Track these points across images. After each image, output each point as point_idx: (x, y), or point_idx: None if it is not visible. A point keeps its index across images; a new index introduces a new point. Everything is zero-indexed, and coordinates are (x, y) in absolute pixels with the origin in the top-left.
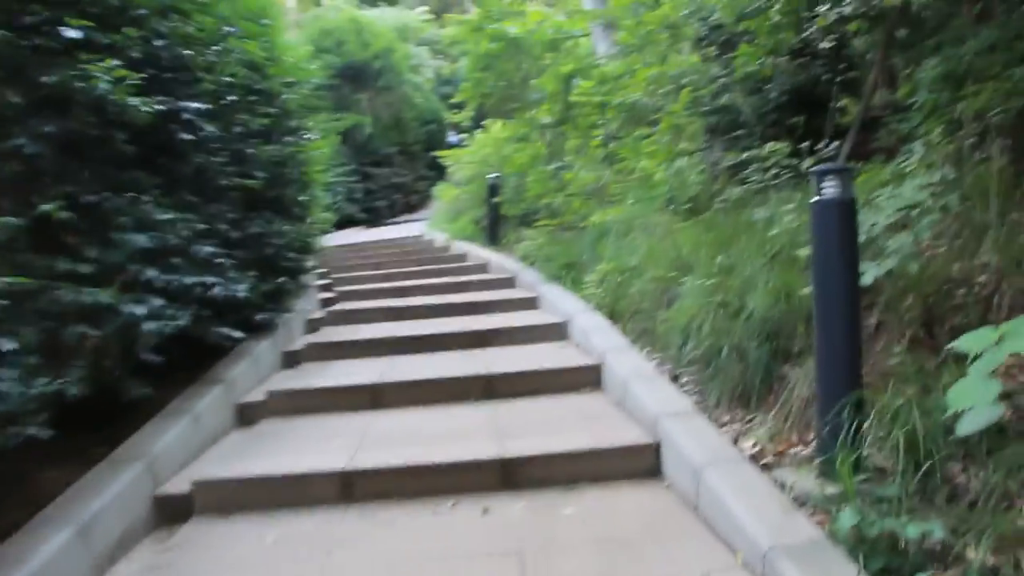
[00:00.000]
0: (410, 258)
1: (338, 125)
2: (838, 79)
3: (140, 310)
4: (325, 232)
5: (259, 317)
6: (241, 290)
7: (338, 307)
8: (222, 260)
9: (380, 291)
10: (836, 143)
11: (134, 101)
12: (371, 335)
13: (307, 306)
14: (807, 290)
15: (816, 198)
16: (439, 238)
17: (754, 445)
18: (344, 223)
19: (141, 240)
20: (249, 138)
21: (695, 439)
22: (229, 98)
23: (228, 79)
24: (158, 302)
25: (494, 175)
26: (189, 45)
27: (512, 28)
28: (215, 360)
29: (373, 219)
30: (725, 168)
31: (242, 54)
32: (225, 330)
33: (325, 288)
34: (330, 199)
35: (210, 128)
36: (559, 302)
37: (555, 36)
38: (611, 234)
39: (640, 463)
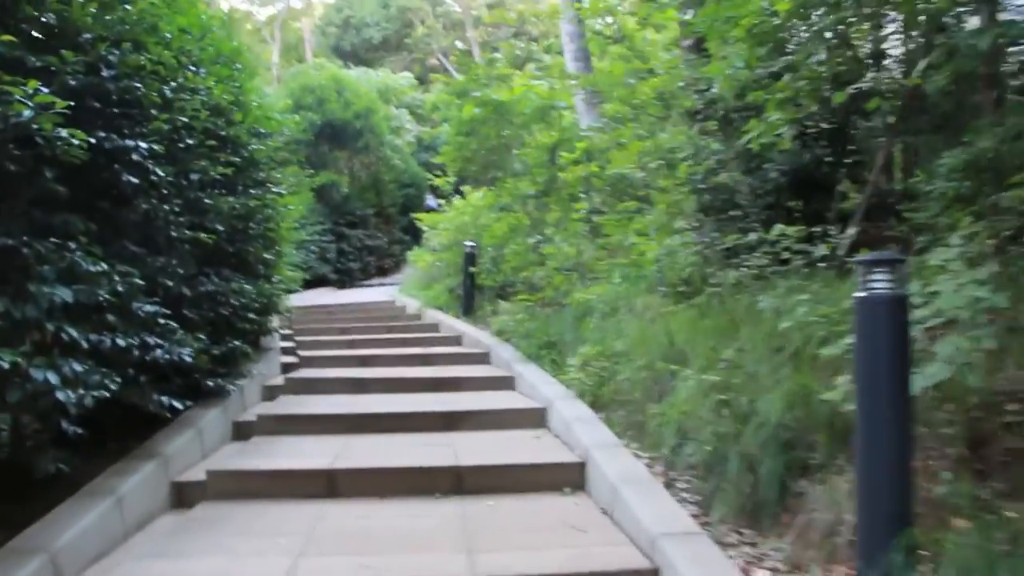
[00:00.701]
0: (380, 324)
1: (312, 182)
2: (846, 161)
3: (53, 376)
4: (292, 291)
5: (209, 383)
6: (187, 353)
7: (300, 374)
8: (167, 320)
9: (345, 359)
10: (848, 229)
11: (62, 133)
12: (331, 409)
13: (266, 370)
14: (831, 395)
15: (863, 292)
16: (411, 305)
17: None
18: (315, 283)
19: (63, 293)
20: (208, 187)
21: (702, 567)
22: (187, 141)
23: (185, 120)
24: (79, 366)
25: (471, 243)
26: (143, 79)
27: (496, 96)
28: (156, 429)
29: (345, 280)
30: (719, 250)
31: (206, 96)
32: (164, 399)
33: (288, 351)
34: (301, 258)
35: (162, 172)
36: (538, 384)
37: (541, 105)
38: (595, 313)
39: None
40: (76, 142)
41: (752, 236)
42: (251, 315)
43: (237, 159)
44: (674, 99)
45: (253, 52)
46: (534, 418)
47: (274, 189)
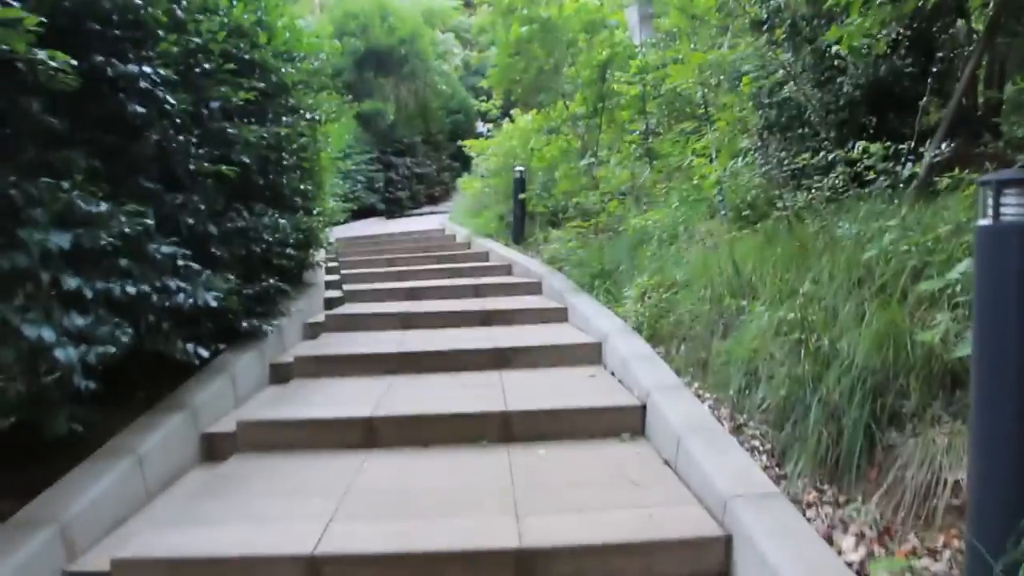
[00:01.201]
0: (428, 255)
1: (354, 108)
2: (932, 70)
3: (48, 332)
4: (337, 223)
5: (244, 324)
6: (212, 296)
7: (343, 309)
8: (189, 261)
9: (392, 292)
10: (934, 147)
11: (41, 55)
12: (374, 348)
13: (308, 307)
14: (927, 335)
15: (988, 219)
16: (460, 233)
17: (857, 545)
18: (363, 213)
19: (58, 239)
20: (232, 116)
21: (782, 539)
22: (204, 66)
23: (199, 42)
24: (81, 319)
25: (521, 168)
26: None
27: (544, 13)
28: (189, 376)
29: (394, 210)
30: (787, 170)
31: (224, 16)
32: (190, 346)
33: (333, 285)
34: (348, 188)
35: (175, 101)
36: (592, 317)
37: (591, 18)
38: (652, 241)
39: (706, 561)
40: (55, 64)
41: (822, 155)
42: (289, 250)
43: (263, 85)
44: (737, 8)
45: None
46: (588, 354)
47: (308, 116)
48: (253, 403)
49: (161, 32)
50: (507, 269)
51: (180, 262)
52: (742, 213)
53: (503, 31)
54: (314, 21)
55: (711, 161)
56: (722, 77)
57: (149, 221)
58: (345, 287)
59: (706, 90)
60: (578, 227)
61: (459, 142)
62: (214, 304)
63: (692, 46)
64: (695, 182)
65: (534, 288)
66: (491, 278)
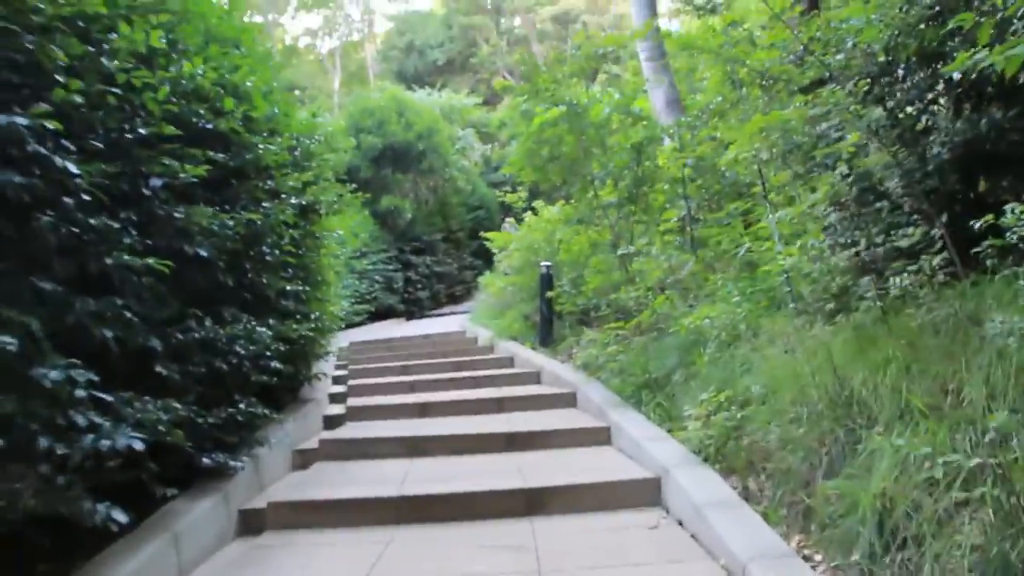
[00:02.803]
0: (447, 360)
1: (357, 198)
2: None
3: None
4: (351, 325)
5: (206, 461)
6: (139, 436)
7: (343, 432)
8: (94, 389)
9: (402, 408)
10: None
11: None
12: (371, 492)
13: (301, 430)
14: None
15: None
16: (482, 335)
17: None
18: (381, 314)
19: None
20: (188, 198)
21: None
22: (140, 131)
23: (134, 101)
24: None
25: (547, 264)
26: (46, 32)
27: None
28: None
29: (413, 311)
30: (870, 252)
31: (175, 72)
32: (101, 508)
33: (336, 399)
34: (365, 288)
35: (82, 172)
36: (643, 441)
37: (619, 104)
38: (708, 342)
39: None
40: None
41: (916, 231)
42: (274, 364)
43: (231, 162)
44: (783, 76)
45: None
46: (645, 494)
47: (294, 201)
48: (205, 570)
49: (58, 77)
50: (535, 377)
51: (81, 392)
52: (825, 306)
53: (524, 125)
54: (331, 119)
55: (779, 245)
56: (778, 148)
57: (37, 331)
58: (351, 401)
59: (763, 163)
60: (617, 327)
61: (481, 238)
62: (140, 447)
63: (740, 117)
64: (752, 271)
65: (567, 400)
66: (517, 388)
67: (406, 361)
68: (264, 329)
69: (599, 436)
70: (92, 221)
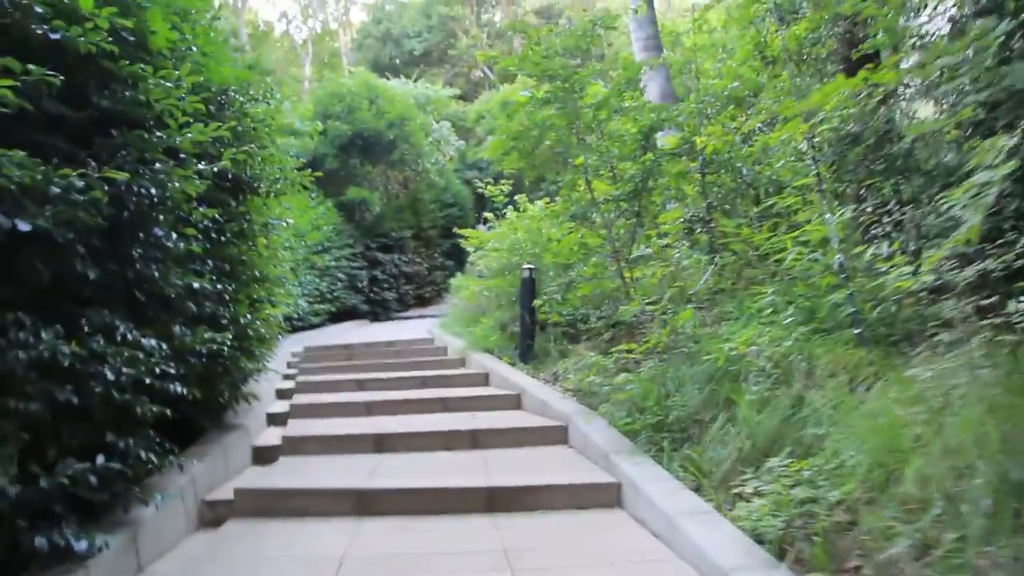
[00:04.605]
0: (411, 375)
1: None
2: None
3: None
4: (307, 328)
5: (40, 542)
6: None
7: (276, 472)
8: None
9: (355, 441)
10: None
11: None
12: None
13: (217, 468)
14: None
15: None
16: (453, 345)
17: None
18: (344, 315)
19: None
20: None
21: None
22: None
23: None
24: None
25: (530, 267)
26: None
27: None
28: None
29: (378, 312)
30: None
31: None
32: None
33: (277, 420)
34: (325, 287)
35: None
36: (679, 518)
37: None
38: (749, 375)
39: None
40: None
41: None
42: (177, 387)
43: (99, 93)
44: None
45: None
46: None
47: (204, 167)
48: None
49: None
50: (515, 401)
51: None
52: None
53: (504, 119)
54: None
55: (839, 255)
56: (824, 136)
57: None
58: (291, 425)
59: (804, 154)
60: (627, 349)
61: (455, 235)
62: None
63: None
64: (799, 284)
65: (557, 435)
66: (494, 415)
67: (365, 373)
68: (155, 341)
69: (606, 496)
70: None
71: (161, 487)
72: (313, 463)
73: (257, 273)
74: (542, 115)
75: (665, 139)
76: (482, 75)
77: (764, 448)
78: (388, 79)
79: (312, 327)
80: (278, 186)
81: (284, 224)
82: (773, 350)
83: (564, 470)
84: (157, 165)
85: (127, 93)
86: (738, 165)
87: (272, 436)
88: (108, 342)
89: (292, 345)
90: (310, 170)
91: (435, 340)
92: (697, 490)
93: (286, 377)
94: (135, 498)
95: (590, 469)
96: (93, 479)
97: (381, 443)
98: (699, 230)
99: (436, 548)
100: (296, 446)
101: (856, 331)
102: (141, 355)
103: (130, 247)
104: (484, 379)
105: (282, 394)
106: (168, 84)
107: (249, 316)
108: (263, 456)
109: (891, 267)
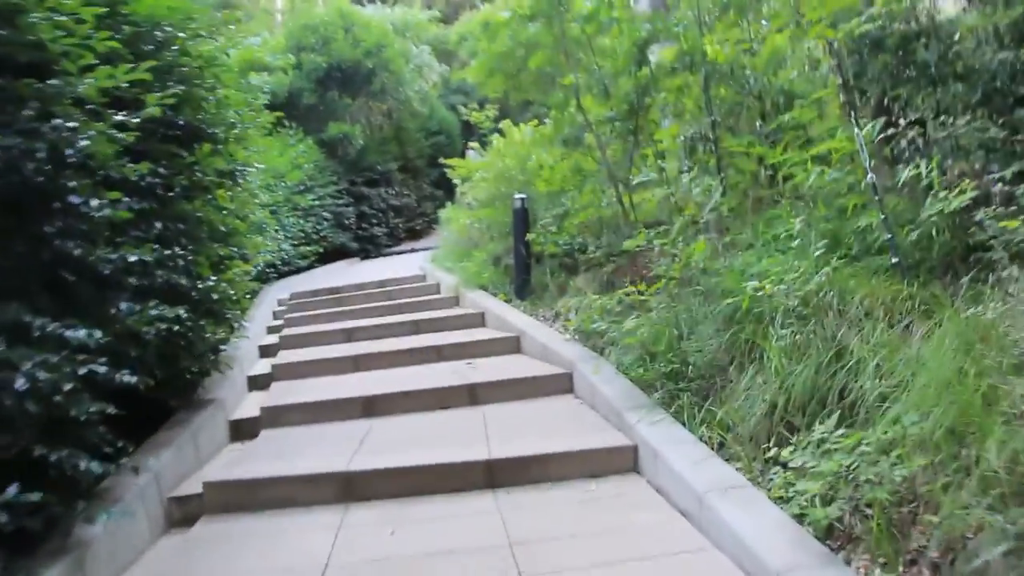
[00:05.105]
0: (403, 320)
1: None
2: None
3: None
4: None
5: None
6: None
7: (248, 458)
8: None
9: (339, 407)
10: None
11: None
12: None
13: (186, 456)
14: None
15: None
16: (446, 282)
17: None
18: (333, 255)
19: None
20: None
21: None
22: None
23: None
24: None
25: (522, 197)
26: None
27: None
28: None
29: (368, 249)
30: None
31: None
32: None
33: (259, 383)
34: (310, 227)
35: None
36: (710, 496)
37: None
38: (776, 313)
39: None
40: None
41: None
42: (124, 376)
43: None
44: None
45: None
46: None
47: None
48: None
49: None
50: (514, 344)
51: None
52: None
53: (485, 38)
54: (271, 38)
55: (871, 172)
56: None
57: None
58: (272, 390)
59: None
60: (635, 291)
61: (443, 166)
62: None
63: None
64: (821, 208)
65: (561, 385)
66: (493, 363)
67: (353, 320)
68: (85, 332)
69: (622, 460)
70: None
71: (116, 494)
72: (296, 436)
73: (223, 228)
74: (526, 33)
75: (660, 52)
76: None
77: (801, 402)
78: (364, 6)
79: (300, 271)
80: (236, 131)
81: (253, 169)
82: (801, 286)
83: (573, 431)
84: (56, 121)
85: (2, 32)
86: (746, 74)
87: (252, 405)
88: (17, 343)
89: (279, 291)
90: (284, 109)
91: (427, 277)
92: (724, 453)
93: (271, 330)
94: (78, 518)
95: (601, 429)
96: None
97: (371, 407)
98: (703, 149)
99: (432, 546)
100: (277, 417)
101: (893, 260)
102: (66, 352)
103: (41, 223)
104: (480, 319)
105: (265, 351)
106: (61, 17)
107: (214, 279)
108: (242, 431)
109: (928, 187)
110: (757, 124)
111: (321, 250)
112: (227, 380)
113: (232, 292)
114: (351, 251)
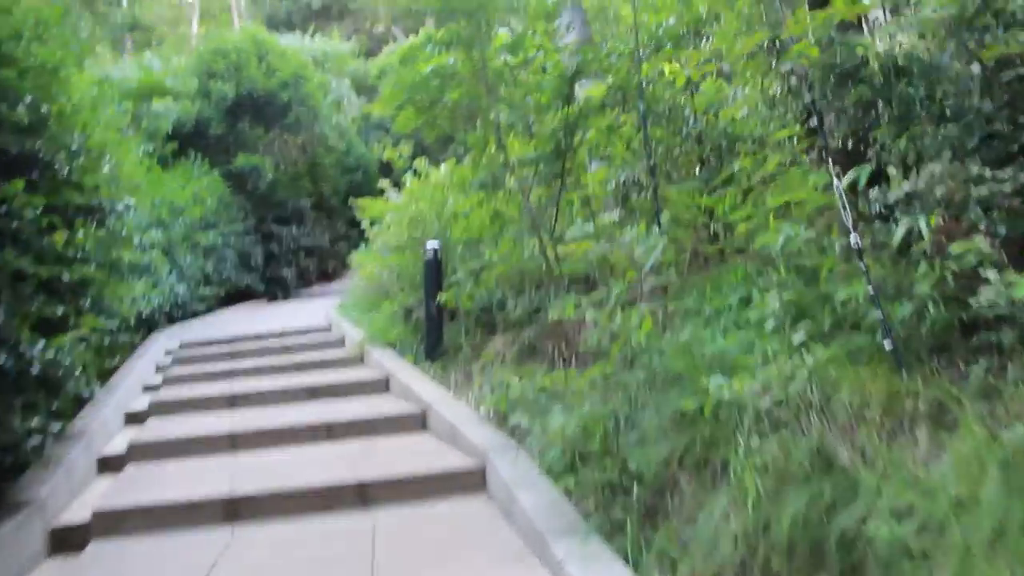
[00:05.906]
0: (299, 382)
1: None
2: None
3: None
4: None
5: None
6: None
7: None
8: None
9: (198, 512)
10: None
11: None
12: None
13: None
14: None
15: None
16: (351, 336)
17: None
18: (236, 297)
19: None
20: None
21: None
22: None
23: None
24: None
25: (435, 246)
26: None
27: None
28: None
29: (276, 291)
30: None
31: None
32: None
33: (110, 465)
34: (211, 268)
35: None
36: None
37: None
38: (742, 414)
39: None
40: None
41: None
42: None
43: None
44: None
45: None
46: None
47: None
48: None
49: None
50: (419, 421)
51: None
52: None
53: (406, 72)
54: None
55: (855, 234)
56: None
57: None
58: (123, 478)
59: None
60: (558, 378)
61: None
62: None
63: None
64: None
65: (473, 482)
66: (392, 447)
67: (242, 381)
68: None
69: None
70: None
71: None
72: (131, 554)
73: (66, 278)
74: (442, 61)
75: (587, 90)
76: (384, 30)
77: (786, 545)
78: (281, 34)
79: (196, 315)
80: (80, 160)
81: (126, 205)
82: (783, 387)
83: (483, 561)
84: None
85: None
86: (685, 114)
87: (96, 497)
88: None
89: (169, 340)
90: (190, 138)
91: (332, 328)
92: None
93: (147, 389)
94: None
95: (518, 558)
96: None
97: (235, 511)
98: (637, 196)
99: None
100: (115, 523)
101: (887, 344)
102: None
103: None
104: (384, 385)
105: (134, 418)
106: None
107: (39, 345)
108: (68, 541)
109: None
110: (696, 169)
111: (222, 293)
112: (59, 470)
113: (68, 360)
114: (257, 294)
